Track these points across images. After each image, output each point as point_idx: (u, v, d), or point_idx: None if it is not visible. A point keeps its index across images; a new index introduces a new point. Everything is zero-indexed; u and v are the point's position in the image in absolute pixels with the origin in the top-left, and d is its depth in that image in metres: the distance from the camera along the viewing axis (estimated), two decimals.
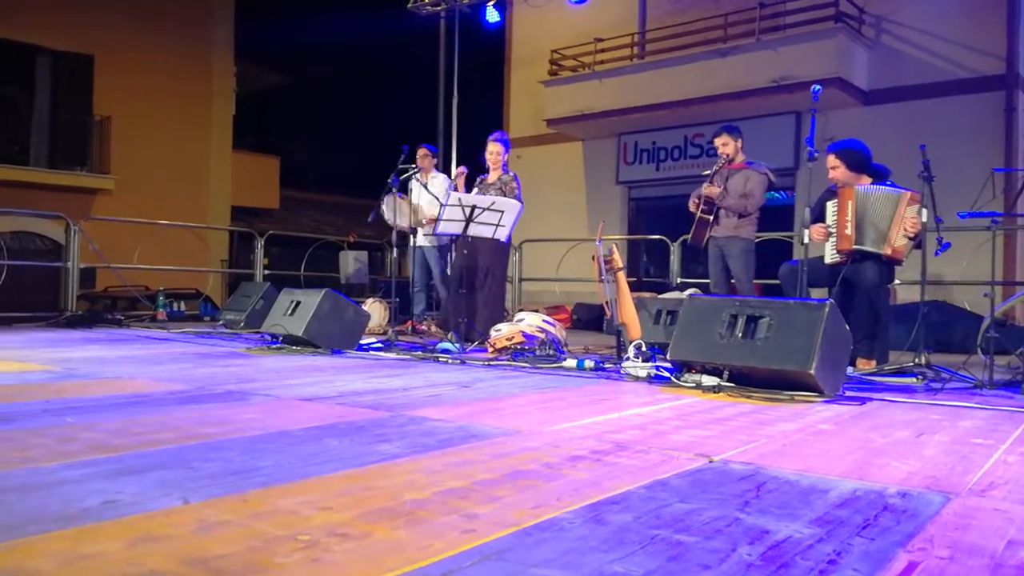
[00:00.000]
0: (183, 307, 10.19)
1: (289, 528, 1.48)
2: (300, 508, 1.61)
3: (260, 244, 9.85)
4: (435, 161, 7.66)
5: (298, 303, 5.52)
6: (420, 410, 2.94)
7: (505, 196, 6.18)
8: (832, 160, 4.96)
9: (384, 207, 7.09)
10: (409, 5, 12.34)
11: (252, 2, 19.34)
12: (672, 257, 8.95)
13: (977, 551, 1.45)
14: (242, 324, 7.37)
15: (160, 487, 1.76)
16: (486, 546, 1.40)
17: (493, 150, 6.57)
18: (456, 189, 6.65)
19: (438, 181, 7.47)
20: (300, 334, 5.29)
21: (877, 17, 11.64)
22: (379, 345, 5.66)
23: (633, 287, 7.22)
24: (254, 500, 1.67)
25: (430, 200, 7.15)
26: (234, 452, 2.14)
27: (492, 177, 6.61)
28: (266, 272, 9.84)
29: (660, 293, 7.13)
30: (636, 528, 1.53)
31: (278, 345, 5.57)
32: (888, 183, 4.91)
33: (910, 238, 4.71)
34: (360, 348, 5.52)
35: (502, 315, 6.62)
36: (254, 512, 1.58)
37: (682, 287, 7.67)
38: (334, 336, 5.40)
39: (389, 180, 6.18)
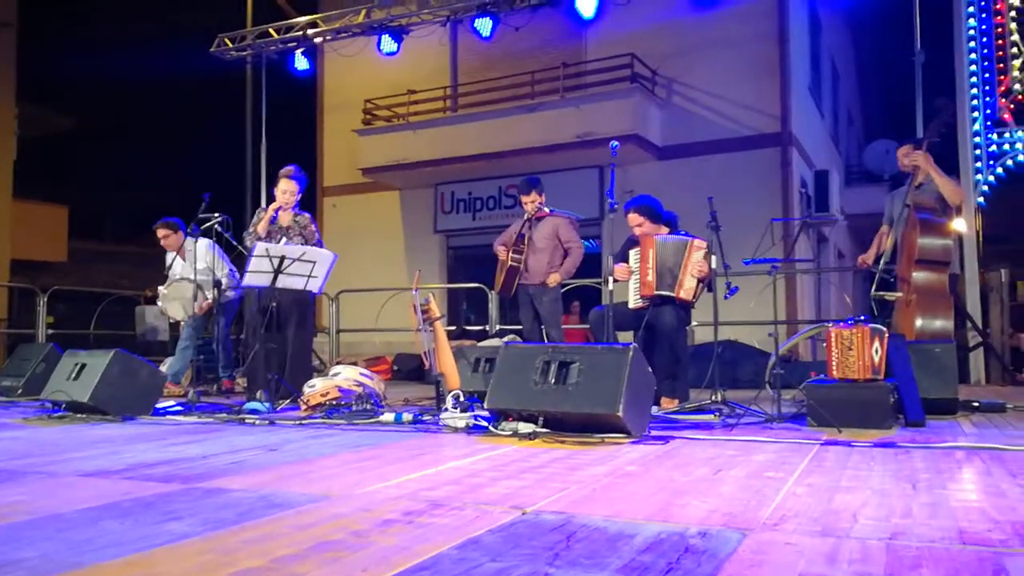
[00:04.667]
0: None
1: None
2: None
3: (43, 301, 8.95)
4: (179, 238, 6.96)
5: (83, 365, 5.02)
6: (219, 480, 2.73)
7: (306, 241, 5.80)
8: (636, 218, 5.34)
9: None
10: (212, 49, 11.88)
11: (38, 40, 17.85)
12: (490, 305, 9.06)
13: None
14: (20, 391, 6.61)
15: None
16: None
17: (288, 188, 5.80)
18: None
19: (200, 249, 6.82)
20: (86, 400, 4.80)
21: (668, 79, 12.59)
22: (178, 408, 5.25)
23: (453, 336, 7.22)
24: None
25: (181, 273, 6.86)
26: None
27: (285, 219, 5.89)
28: (50, 332, 8.97)
29: (480, 341, 7.17)
30: None
31: (60, 413, 5.03)
32: (681, 232, 5.32)
33: (699, 280, 5.11)
34: (156, 412, 5.09)
35: (311, 368, 6.31)
36: None
37: (500, 334, 7.76)
38: (125, 401, 4.94)
39: (189, 230, 5.83)
